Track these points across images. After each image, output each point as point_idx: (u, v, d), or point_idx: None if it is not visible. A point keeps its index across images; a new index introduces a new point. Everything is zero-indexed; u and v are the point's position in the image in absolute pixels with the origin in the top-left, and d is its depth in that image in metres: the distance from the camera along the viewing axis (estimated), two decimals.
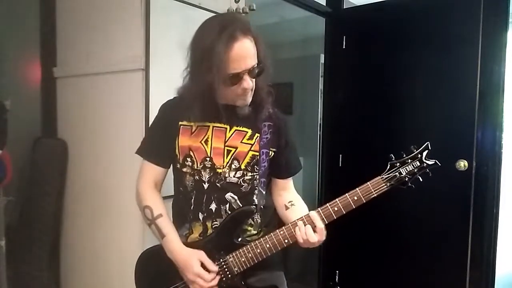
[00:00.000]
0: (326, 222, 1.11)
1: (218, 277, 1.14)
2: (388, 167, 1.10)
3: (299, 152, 1.35)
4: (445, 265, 2.33)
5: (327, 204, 1.11)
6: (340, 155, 2.75)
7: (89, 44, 1.80)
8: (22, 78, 1.99)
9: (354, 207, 1.09)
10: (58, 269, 1.97)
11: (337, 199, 1.11)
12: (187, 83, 1.17)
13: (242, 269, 1.14)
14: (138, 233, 1.58)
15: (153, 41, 1.56)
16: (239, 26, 1.06)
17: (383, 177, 1.09)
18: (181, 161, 1.21)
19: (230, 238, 1.16)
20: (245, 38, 1.06)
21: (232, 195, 1.19)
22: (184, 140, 1.20)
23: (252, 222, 1.22)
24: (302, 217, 1.11)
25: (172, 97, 1.28)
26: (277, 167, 1.27)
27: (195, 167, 1.19)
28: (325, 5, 2.73)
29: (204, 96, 1.11)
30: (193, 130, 1.20)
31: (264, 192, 1.22)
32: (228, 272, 1.15)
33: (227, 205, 1.18)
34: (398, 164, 1.09)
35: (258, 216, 1.23)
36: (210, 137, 1.19)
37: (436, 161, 1.08)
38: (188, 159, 1.19)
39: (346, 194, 1.10)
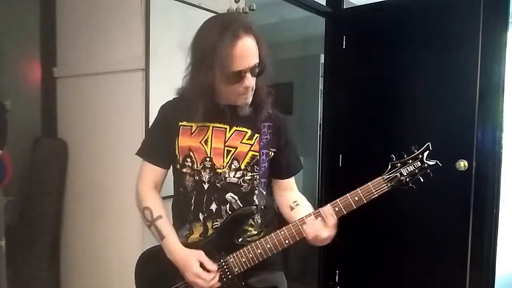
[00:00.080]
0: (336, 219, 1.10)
1: (218, 276, 1.14)
2: (389, 167, 1.10)
3: (299, 152, 1.35)
4: (445, 265, 2.33)
5: (328, 205, 1.11)
6: (340, 155, 2.75)
7: (89, 44, 1.80)
8: (22, 78, 1.99)
9: (355, 207, 1.09)
10: (58, 269, 1.97)
11: (338, 200, 1.11)
12: (188, 83, 1.18)
13: (242, 270, 1.14)
14: (138, 233, 1.58)
15: (153, 41, 1.56)
16: (241, 25, 1.07)
17: (384, 178, 1.09)
18: (181, 162, 1.21)
19: (230, 238, 1.16)
20: (247, 36, 1.07)
21: (233, 195, 1.19)
22: (184, 141, 1.20)
23: (253, 223, 1.22)
24: (312, 213, 1.11)
25: (171, 98, 1.28)
26: (278, 167, 1.27)
27: (195, 168, 1.19)
28: (325, 5, 2.73)
29: (204, 96, 1.11)
30: (193, 130, 1.20)
31: (264, 193, 1.22)
32: (228, 273, 1.15)
33: (228, 206, 1.18)
34: (399, 164, 1.10)
35: (259, 216, 1.23)
36: (210, 137, 1.19)
37: (437, 161, 1.08)
38: (188, 160, 1.19)
39: (347, 195, 1.10)
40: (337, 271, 2.80)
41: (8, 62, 1.90)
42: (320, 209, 1.11)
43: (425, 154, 1.09)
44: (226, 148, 1.19)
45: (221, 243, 1.16)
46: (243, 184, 1.20)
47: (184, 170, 1.21)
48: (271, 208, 1.30)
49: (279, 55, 3.54)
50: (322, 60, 3.22)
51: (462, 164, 2.24)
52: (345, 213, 1.10)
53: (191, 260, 1.13)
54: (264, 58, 1.12)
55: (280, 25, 3.53)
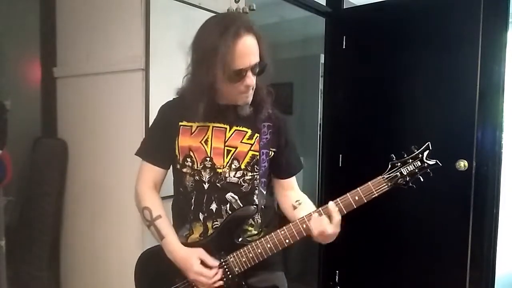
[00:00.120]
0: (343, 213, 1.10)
1: (220, 272, 1.14)
2: (389, 167, 1.10)
3: (299, 152, 1.35)
4: (445, 265, 2.34)
5: (331, 202, 1.11)
6: (340, 155, 2.75)
7: (89, 44, 1.80)
8: (22, 78, 1.99)
9: (355, 206, 1.09)
10: (58, 269, 1.97)
11: (338, 199, 1.10)
12: (188, 82, 1.18)
13: (243, 269, 1.14)
14: (138, 233, 1.58)
15: (153, 41, 1.56)
16: (242, 24, 1.07)
17: (384, 177, 1.09)
18: (181, 162, 1.21)
19: (230, 238, 1.16)
20: (249, 35, 1.07)
21: (233, 195, 1.19)
22: (184, 140, 1.20)
23: (253, 222, 1.22)
24: (319, 209, 1.11)
25: (171, 99, 1.28)
26: (278, 167, 1.27)
27: (195, 167, 1.19)
28: (325, 5, 2.73)
29: (205, 96, 1.11)
30: (193, 130, 1.20)
31: (264, 192, 1.22)
32: (229, 273, 1.15)
33: (228, 205, 1.18)
34: (399, 164, 1.09)
35: (259, 216, 1.23)
36: (210, 137, 1.19)
37: (437, 161, 1.08)
38: (188, 159, 1.19)
39: (347, 194, 1.10)
40: (337, 271, 2.80)
41: (8, 62, 1.90)
42: (325, 206, 1.10)
43: (425, 153, 1.09)
44: (226, 148, 1.19)
45: (221, 243, 1.16)
46: (243, 184, 1.20)
47: (184, 170, 1.20)
48: (271, 208, 1.30)
49: (279, 55, 3.54)
50: (322, 60, 3.22)
51: (462, 164, 2.24)
52: (345, 212, 1.10)
53: (191, 259, 1.13)
54: (264, 57, 1.12)
55: (280, 25, 3.53)
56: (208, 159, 1.18)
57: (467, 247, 2.26)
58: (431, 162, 1.08)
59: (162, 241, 1.18)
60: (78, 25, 1.87)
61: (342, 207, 1.09)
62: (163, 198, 1.27)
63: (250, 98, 1.17)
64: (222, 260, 1.15)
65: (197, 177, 1.19)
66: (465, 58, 2.24)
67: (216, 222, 1.19)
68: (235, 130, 1.20)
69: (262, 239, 1.13)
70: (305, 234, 1.11)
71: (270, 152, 1.22)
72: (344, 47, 2.73)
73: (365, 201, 1.09)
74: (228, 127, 1.20)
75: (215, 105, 1.17)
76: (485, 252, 2.24)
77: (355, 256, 2.71)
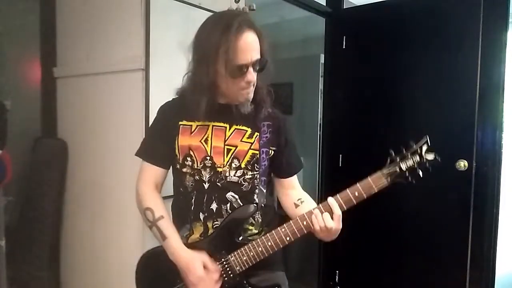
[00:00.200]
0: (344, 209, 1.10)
1: (221, 280, 1.14)
2: (388, 162, 1.09)
3: (299, 152, 1.35)
4: (445, 265, 2.33)
5: (331, 197, 1.10)
6: (340, 155, 2.75)
7: (89, 44, 1.80)
8: (22, 78, 2.00)
9: (355, 202, 1.09)
10: (58, 269, 1.97)
11: (337, 194, 1.10)
12: (189, 80, 1.18)
13: (244, 268, 1.14)
14: (138, 233, 1.58)
15: (153, 41, 1.55)
16: (244, 20, 1.09)
17: (383, 172, 1.08)
18: (181, 161, 1.21)
19: (231, 237, 1.16)
20: (250, 31, 1.09)
21: (233, 194, 1.19)
22: (184, 140, 1.20)
23: (253, 222, 1.22)
24: (319, 205, 1.11)
25: (171, 99, 1.28)
26: (278, 167, 1.27)
27: (195, 167, 1.19)
28: (325, 5, 2.73)
29: (205, 93, 1.11)
30: (193, 129, 1.20)
31: (264, 191, 1.22)
32: (230, 272, 1.15)
33: (228, 205, 1.18)
34: (398, 159, 1.09)
35: (259, 215, 1.23)
36: (210, 136, 1.19)
37: (436, 155, 1.07)
38: (188, 159, 1.19)
39: (347, 189, 1.10)
40: (337, 271, 2.80)
41: (8, 62, 1.90)
42: (325, 202, 1.10)
43: (424, 148, 1.08)
44: (226, 146, 1.19)
45: (222, 242, 1.16)
46: (244, 183, 1.20)
47: (184, 169, 1.20)
48: (271, 207, 1.30)
49: (279, 55, 3.54)
50: (322, 60, 3.22)
51: (462, 164, 2.24)
52: (345, 208, 1.09)
53: (195, 263, 1.13)
54: (265, 54, 1.13)
55: (280, 25, 3.53)
56: (208, 158, 1.18)
57: (467, 247, 2.25)
58: (430, 157, 1.07)
59: (164, 242, 1.17)
60: (78, 25, 1.87)
61: (342, 202, 1.09)
62: (163, 198, 1.27)
63: (251, 95, 1.17)
64: (223, 259, 1.15)
65: (197, 177, 1.19)
66: (465, 58, 2.24)
67: (216, 222, 1.19)
68: (235, 129, 1.20)
69: (262, 237, 1.13)
70: (305, 231, 1.11)
71: (270, 151, 1.22)
72: (344, 47, 2.73)
73: (365, 196, 1.08)
74: (228, 126, 1.20)
75: (215, 104, 1.17)
76: (485, 252, 2.24)
77: (355, 256, 2.71)
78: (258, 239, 1.13)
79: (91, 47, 1.80)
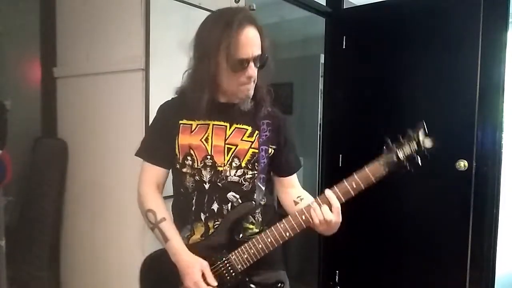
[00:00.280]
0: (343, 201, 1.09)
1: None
2: (385, 150, 1.08)
3: (299, 152, 1.35)
4: (445, 265, 2.33)
5: (328, 189, 1.10)
6: (340, 155, 2.75)
7: (89, 44, 1.80)
8: (22, 78, 2.00)
9: (353, 194, 1.08)
10: (58, 269, 1.97)
11: (335, 186, 1.09)
12: (189, 78, 1.18)
13: (245, 266, 1.14)
14: (138, 233, 1.58)
15: (153, 41, 1.56)
16: (245, 16, 1.09)
17: (380, 162, 1.07)
18: (181, 161, 1.20)
19: (231, 236, 1.16)
20: (252, 27, 1.09)
21: (234, 194, 1.18)
22: (184, 139, 1.20)
23: (254, 221, 1.22)
24: (317, 198, 1.10)
25: (170, 98, 1.28)
26: (277, 165, 1.27)
27: (196, 166, 1.19)
28: (325, 5, 2.73)
29: (206, 89, 1.12)
30: (193, 128, 1.20)
31: (263, 188, 1.21)
32: (232, 270, 1.14)
33: (229, 205, 1.18)
34: (394, 147, 1.08)
35: (260, 214, 1.23)
36: (210, 135, 1.19)
37: (433, 142, 1.04)
38: (189, 158, 1.19)
39: (344, 181, 1.08)
40: (337, 271, 2.80)
41: (8, 62, 1.90)
42: (322, 194, 1.09)
43: (421, 135, 1.06)
44: (226, 145, 1.19)
45: (222, 241, 1.16)
46: (244, 182, 1.19)
47: (184, 170, 1.20)
48: (271, 206, 1.30)
49: (279, 55, 3.53)
50: (322, 60, 3.22)
51: (462, 164, 2.24)
52: (343, 200, 1.08)
53: (194, 267, 1.12)
54: (266, 51, 1.14)
55: (280, 25, 3.53)
56: (208, 157, 1.18)
57: (467, 247, 2.25)
58: (428, 144, 1.05)
59: (166, 243, 1.17)
60: (78, 25, 1.87)
61: (340, 194, 1.08)
62: (163, 198, 1.27)
63: (251, 92, 1.17)
64: (224, 258, 1.15)
65: (197, 177, 1.19)
66: (465, 58, 2.24)
67: (217, 222, 1.18)
68: (235, 128, 1.20)
69: (262, 233, 1.13)
70: (305, 226, 1.10)
71: (270, 150, 1.22)
72: (344, 47, 2.73)
73: (363, 187, 1.07)
74: (228, 125, 1.20)
75: (216, 103, 1.17)
76: (485, 252, 2.24)
77: (355, 256, 2.71)
78: (258, 236, 1.13)
79: (91, 47, 1.80)
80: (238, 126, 1.20)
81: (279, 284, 1.19)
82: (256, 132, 1.21)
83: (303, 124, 3.58)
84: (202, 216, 1.19)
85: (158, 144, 1.23)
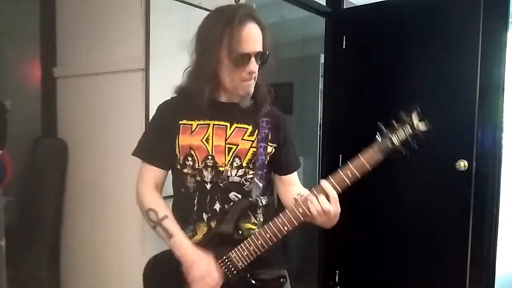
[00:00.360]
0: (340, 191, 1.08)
1: (223, 280, 1.13)
2: (379, 136, 1.06)
3: (299, 152, 1.35)
4: (445, 265, 2.33)
5: (324, 180, 1.09)
6: (340, 155, 2.75)
7: (89, 44, 1.80)
8: (22, 78, 2.00)
9: (349, 183, 1.06)
10: (58, 269, 1.97)
11: (330, 176, 1.08)
12: (189, 75, 1.18)
13: (246, 263, 1.13)
14: (138, 233, 1.58)
15: (153, 41, 1.56)
16: (247, 12, 1.10)
17: (374, 149, 1.06)
18: (181, 161, 1.20)
19: (230, 234, 1.15)
20: (254, 23, 1.10)
21: (236, 194, 1.18)
22: (184, 139, 1.19)
23: (255, 221, 1.22)
24: (312, 189, 1.08)
25: (169, 97, 1.27)
26: (277, 164, 1.26)
27: (196, 167, 1.18)
28: (325, 5, 2.73)
29: (206, 86, 1.12)
30: (193, 128, 1.19)
31: (260, 185, 1.20)
32: (233, 268, 1.14)
33: (231, 204, 1.18)
34: (388, 133, 1.06)
35: (261, 214, 1.23)
36: (210, 135, 1.19)
37: (427, 123, 1.02)
38: (189, 158, 1.19)
39: (339, 170, 1.07)
40: (337, 271, 2.80)
41: (8, 62, 1.90)
42: (318, 185, 1.08)
43: (414, 118, 1.04)
44: (227, 145, 1.19)
45: (221, 240, 1.15)
46: (245, 183, 1.19)
47: (185, 170, 1.20)
48: (272, 206, 1.30)
49: (279, 55, 3.53)
50: (322, 60, 3.22)
51: (462, 164, 2.24)
52: (340, 191, 1.07)
53: (199, 261, 1.12)
54: (267, 48, 1.14)
55: (280, 25, 3.53)
56: (209, 157, 1.18)
57: (467, 247, 2.25)
58: (423, 127, 1.03)
59: (171, 240, 1.15)
60: (78, 25, 1.87)
61: (336, 184, 1.07)
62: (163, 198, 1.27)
63: (252, 89, 1.17)
64: (224, 256, 1.14)
65: (198, 178, 1.18)
66: (465, 58, 2.24)
67: None
68: (236, 127, 1.20)
69: (260, 229, 1.12)
70: (302, 219, 1.09)
71: (269, 148, 1.22)
72: (344, 47, 2.73)
73: (359, 176, 1.05)
74: (228, 124, 1.20)
75: (216, 103, 1.17)
76: (485, 252, 2.24)
77: (355, 256, 2.71)
78: (256, 232, 1.12)
79: (91, 47, 1.80)
80: (239, 125, 1.20)
81: (281, 279, 1.19)
82: (257, 131, 1.21)
83: (303, 124, 3.58)
84: (205, 216, 1.19)
85: (158, 144, 1.23)
